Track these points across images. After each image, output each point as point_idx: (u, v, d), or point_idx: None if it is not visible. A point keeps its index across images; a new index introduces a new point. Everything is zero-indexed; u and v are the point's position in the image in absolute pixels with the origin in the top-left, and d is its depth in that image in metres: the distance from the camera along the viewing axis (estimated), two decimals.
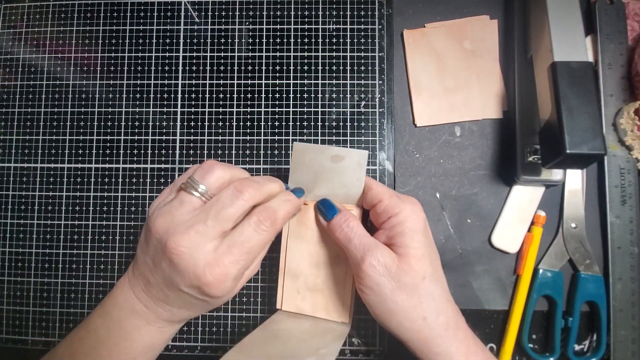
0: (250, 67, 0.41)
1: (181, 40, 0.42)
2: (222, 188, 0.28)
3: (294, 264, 0.34)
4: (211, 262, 0.25)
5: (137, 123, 0.41)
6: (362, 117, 0.40)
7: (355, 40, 0.41)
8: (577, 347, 0.37)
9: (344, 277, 0.33)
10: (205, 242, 0.26)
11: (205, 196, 0.27)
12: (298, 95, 0.41)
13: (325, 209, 0.32)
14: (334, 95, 0.40)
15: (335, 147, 0.32)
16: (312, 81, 0.41)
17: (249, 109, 0.41)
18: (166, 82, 0.41)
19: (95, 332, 0.29)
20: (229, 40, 0.42)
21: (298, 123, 0.40)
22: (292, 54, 0.41)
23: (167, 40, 0.42)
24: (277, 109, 0.40)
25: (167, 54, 0.42)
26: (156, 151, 0.41)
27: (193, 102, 0.41)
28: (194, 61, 0.42)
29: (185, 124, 0.41)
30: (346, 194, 0.33)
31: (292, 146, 0.31)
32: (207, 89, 0.41)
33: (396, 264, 0.28)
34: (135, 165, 0.41)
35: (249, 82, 0.41)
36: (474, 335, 0.30)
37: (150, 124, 0.41)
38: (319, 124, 0.40)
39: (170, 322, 0.30)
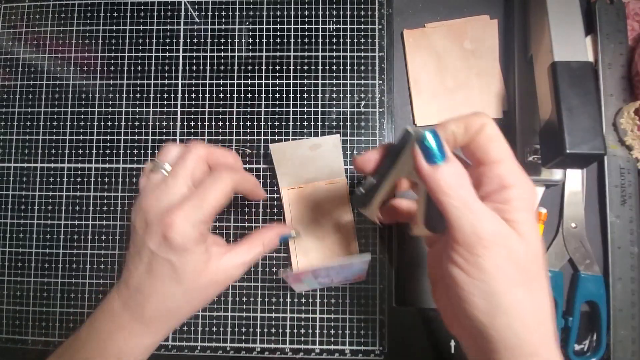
0: (250, 67, 0.41)
1: (181, 40, 0.42)
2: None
3: (301, 244, 0.37)
4: (173, 205, 0.27)
5: (137, 123, 0.41)
6: (362, 117, 0.40)
7: (355, 40, 0.41)
8: (577, 347, 0.37)
9: (347, 241, 0.37)
10: (168, 193, 0.28)
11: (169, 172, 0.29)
12: (298, 95, 0.41)
13: (437, 147, 0.23)
14: (334, 95, 0.40)
15: (310, 138, 0.33)
16: (312, 81, 0.41)
17: (249, 109, 0.41)
18: (166, 82, 0.41)
19: (78, 338, 0.29)
20: (229, 40, 0.42)
21: (298, 123, 0.40)
22: (292, 54, 0.41)
23: (167, 40, 0.42)
24: (277, 109, 0.40)
25: (167, 54, 0.42)
26: (156, 151, 0.41)
27: (193, 102, 0.41)
28: (194, 61, 0.42)
29: (185, 124, 0.41)
30: (330, 172, 0.37)
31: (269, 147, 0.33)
32: (207, 89, 0.41)
33: (523, 248, 0.22)
34: (135, 165, 0.41)
35: (249, 82, 0.41)
36: None
37: (150, 124, 0.41)
38: (319, 124, 0.40)
39: (145, 325, 0.28)
